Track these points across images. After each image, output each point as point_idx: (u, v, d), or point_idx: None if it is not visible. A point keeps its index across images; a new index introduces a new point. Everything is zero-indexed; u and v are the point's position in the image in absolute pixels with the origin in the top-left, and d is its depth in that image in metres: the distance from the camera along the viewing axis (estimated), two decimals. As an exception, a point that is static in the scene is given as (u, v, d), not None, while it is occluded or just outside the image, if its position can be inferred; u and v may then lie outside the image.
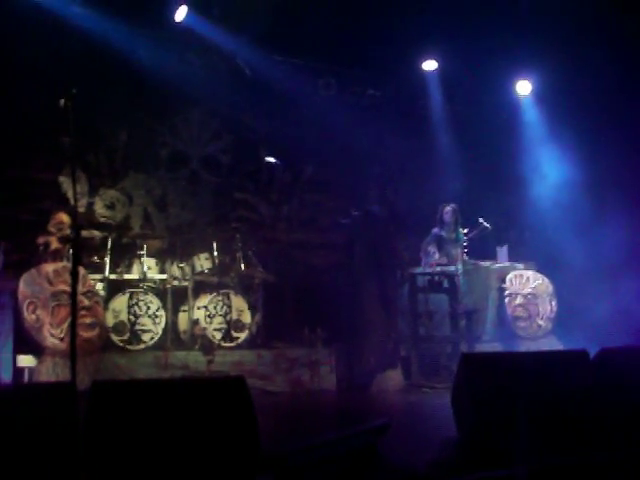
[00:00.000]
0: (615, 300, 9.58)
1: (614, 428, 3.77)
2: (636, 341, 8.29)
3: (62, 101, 4.33)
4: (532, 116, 11.25)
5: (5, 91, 8.83)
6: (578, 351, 4.47)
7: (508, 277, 9.42)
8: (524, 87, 11.16)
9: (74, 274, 4.45)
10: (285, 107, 10.46)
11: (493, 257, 9.91)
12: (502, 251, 9.83)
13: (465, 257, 9.46)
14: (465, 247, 9.58)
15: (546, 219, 10.42)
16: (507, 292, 9.37)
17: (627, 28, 9.28)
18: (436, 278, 9.15)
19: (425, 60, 10.90)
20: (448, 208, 9.59)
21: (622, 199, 9.88)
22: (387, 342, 8.59)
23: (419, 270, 9.24)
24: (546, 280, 9.51)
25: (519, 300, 9.36)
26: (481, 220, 9.65)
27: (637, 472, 3.26)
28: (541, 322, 9.40)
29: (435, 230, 9.59)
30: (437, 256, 9.38)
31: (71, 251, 4.82)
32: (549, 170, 10.86)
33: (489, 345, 9.11)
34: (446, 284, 9.16)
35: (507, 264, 9.66)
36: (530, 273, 9.54)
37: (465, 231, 9.56)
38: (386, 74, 11.17)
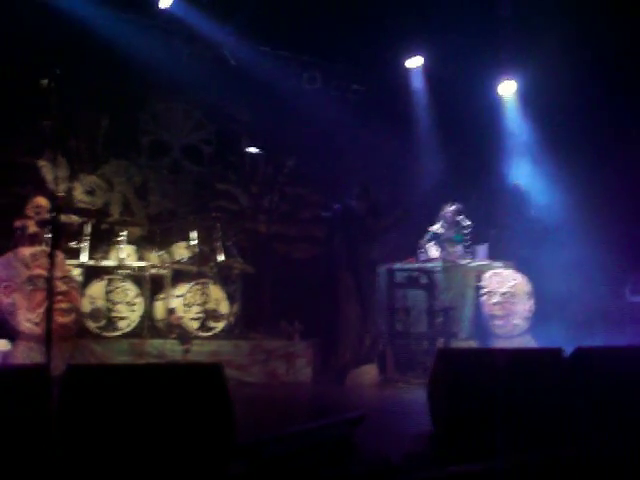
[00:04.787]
0: (592, 302, 9.69)
1: (586, 425, 3.81)
2: (612, 341, 8.38)
3: (45, 81, 4.28)
4: (516, 116, 11.30)
5: (-14, 72, 8.74)
6: (553, 349, 4.50)
7: (486, 275, 9.44)
8: (509, 87, 11.20)
9: (51, 257, 4.42)
10: (269, 99, 10.44)
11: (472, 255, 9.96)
12: (481, 249, 9.86)
13: (468, 256, 9.61)
14: (468, 247, 9.69)
15: (526, 219, 10.51)
16: (485, 290, 9.40)
17: (615, 31, 9.34)
18: (414, 274, 9.18)
19: (410, 57, 10.92)
20: (452, 208, 9.73)
21: (604, 203, 9.96)
22: (364, 337, 8.60)
23: (398, 265, 9.28)
24: (524, 279, 9.55)
25: (496, 298, 9.38)
26: (461, 217, 9.73)
27: (607, 468, 3.29)
28: (517, 321, 9.42)
29: (434, 228, 9.71)
30: (438, 254, 9.49)
31: (49, 235, 4.77)
32: (532, 171, 10.95)
33: (465, 343, 9.12)
34: (424, 280, 9.18)
35: (485, 262, 9.69)
36: (508, 272, 9.56)
37: (466, 232, 9.66)
38: (371, 70, 11.18)
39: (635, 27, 9.40)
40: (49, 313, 4.26)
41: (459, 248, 9.72)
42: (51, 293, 4.27)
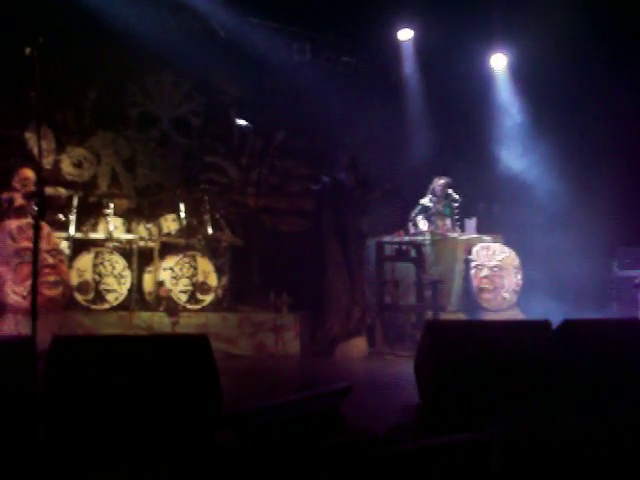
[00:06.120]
0: (581, 276, 9.75)
1: (573, 395, 3.82)
2: (599, 315, 8.44)
3: (28, 50, 4.20)
4: (506, 90, 11.27)
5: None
6: (541, 321, 4.52)
7: (475, 249, 9.46)
8: (500, 60, 11.15)
9: (36, 230, 4.37)
10: (258, 71, 10.35)
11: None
12: (470, 223, 9.87)
13: (457, 229, 9.64)
14: (457, 220, 9.72)
15: (515, 193, 10.52)
16: (473, 264, 9.42)
17: (609, 6, 9.30)
18: (403, 247, 9.19)
19: (401, 29, 10.84)
20: (441, 181, 9.74)
21: (593, 179, 9.97)
22: (352, 309, 8.61)
23: (387, 239, 9.28)
24: (512, 253, 9.57)
25: (485, 272, 9.41)
26: (450, 191, 9.75)
27: (594, 436, 3.31)
28: (506, 294, 9.47)
29: (423, 201, 9.70)
30: (427, 227, 9.51)
31: (35, 208, 4.72)
32: (521, 144, 10.94)
33: (454, 316, 9.17)
34: (413, 254, 9.19)
35: (474, 236, 9.71)
36: (497, 246, 9.59)
37: (455, 205, 9.69)
38: (361, 42, 11.10)
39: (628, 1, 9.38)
40: (34, 285, 4.22)
41: (448, 221, 9.73)
42: (36, 265, 4.22)
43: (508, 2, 9.92)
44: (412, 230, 9.65)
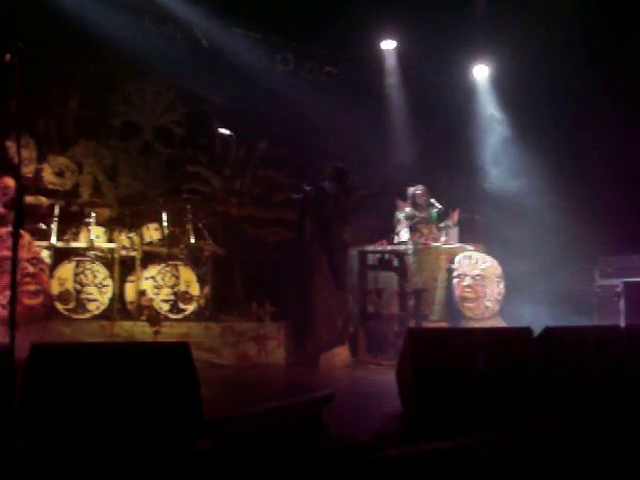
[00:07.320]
0: (563, 285, 9.80)
1: (554, 401, 3.83)
2: (579, 322, 8.48)
3: (7, 56, 4.16)
4: (488, 100, 11.34)
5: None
6: (522, 329, 4.53)
7: (457, 258, 9.50)
8: (481, 71, 11.22)
9: (15, 237, 4.32)
10: (241, 81, 10.35)
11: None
12: (452, 232, 9.90)
13: (442, 236, 9.67)
14: (440, 229, 9.77)
15: (497, 203, 10.56)
16: (456, 273, 9.44)
17: (593, 17, 9.39)
18: (386, 256, 9.20)
19: (383, 39, 10.90)
20: (419, 191, 9.76)
21: (575, 188, 10.03)
22: (337, 318, 8.59)
23: (370, 248, 9.29)
24: (495, 262, 9.61)
25: (467, 281, 9.44)
26: (433, 201, 9.78)
27: (574, 443, 3.32)
28: (488, 303, 9.50)
29: (406, 210, 9.72)
30: (408, 236, 9.52)
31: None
32: (502, 155, 10.99)
33: (436, 325, 9.19)
34: (396, 263, 9.21)
35: (457, 245, 9.75)
36: (479, 255, 9.63)
37: (437, 210, 9.74)
38: (344, 52, 11.15)
39: (606, 14, 9.47)
40: (13, 294, 4.17)
41: (434, 228, 9.77)
42: (14, 274, 4.17)
43: (490, 13, 10.00)
44: (395, 239, 9.68)
